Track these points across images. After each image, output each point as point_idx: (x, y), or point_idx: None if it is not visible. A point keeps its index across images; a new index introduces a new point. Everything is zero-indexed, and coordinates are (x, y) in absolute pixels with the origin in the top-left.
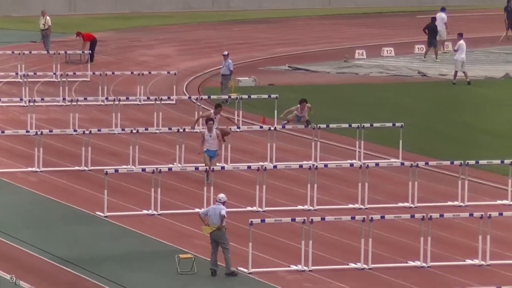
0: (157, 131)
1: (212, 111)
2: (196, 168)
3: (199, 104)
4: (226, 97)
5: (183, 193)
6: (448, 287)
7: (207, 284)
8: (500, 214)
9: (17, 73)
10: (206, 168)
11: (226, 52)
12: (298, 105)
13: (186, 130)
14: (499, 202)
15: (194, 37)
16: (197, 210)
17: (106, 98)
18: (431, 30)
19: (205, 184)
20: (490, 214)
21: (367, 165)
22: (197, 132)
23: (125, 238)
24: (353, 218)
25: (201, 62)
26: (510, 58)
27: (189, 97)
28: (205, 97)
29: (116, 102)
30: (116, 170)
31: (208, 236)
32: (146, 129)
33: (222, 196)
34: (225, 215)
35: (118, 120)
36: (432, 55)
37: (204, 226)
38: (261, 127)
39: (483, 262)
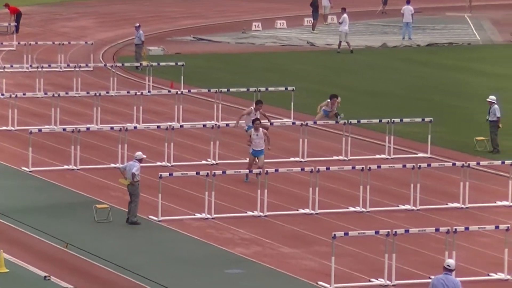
0: (76, 95)
1: (252, 107)
2: (112, 128)
3: (113, 70)
4: (138, 64)
5: (101, 150)
6: (333, 230)
7: (120, 231)
8: (379, 166)
9: None
10: (250, 170)
11: (137, 24)
12: (329, 100)
13: (101, 94)
14: (377, 156)
15: (110, 11)
16: (112, 165)
17: (31, 65)
18: (314, 5)
19: (244, 181)
20: (370, 167)
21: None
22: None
23: (49, 191)
24: (250, 171)
25: (116, 33)
26: (387, 29)
27: (105, 65)
28: (119, 64)
29: (40, 69)
30: (40, 130)
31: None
32: (67, 93)
33: (138, 154)
34: (135, 173)
35: (42, 85)
36: (320, 26)
37: (122, 178)
38: (169, 91)
39: (364, 209)
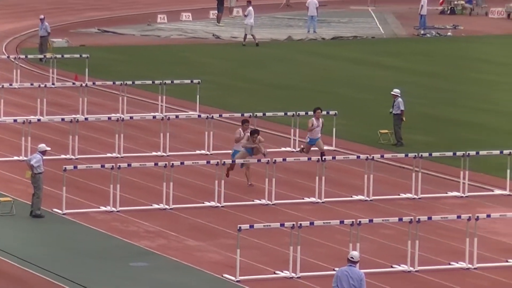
0: None
1: (240, 129)
2: (15, 120)
3: (16, 62)
4: (42, 56)
5: (4, 143)
6: (238, 222)
7: (24, 224)
8: (284, 159)
9: None
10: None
11: (42, 16)
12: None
13: (4, 86)
14: (283, 149)
15: (13, 2)
16: (16, 158)
17: None
18: None
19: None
20: (275, 160)
21: (168, 117)
22: None
23: None
24: (156, 164)
25: (20, 25)
26: (292, 23)
27: (8, 56)
28: (23, 56)
29: None
30: None
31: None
32: None
33: (41, 146)
34: (34, 165)
35: None
36: (226, 19)
37: (28, 171)
38: (73, 83)
39: (269, 202)
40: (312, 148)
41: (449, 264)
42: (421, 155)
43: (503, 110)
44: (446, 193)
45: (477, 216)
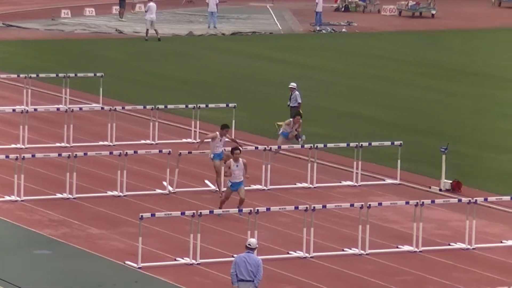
0: None
1: (217, 132)
2: None
3: None
4: None
5: None
6: (140, 211)
7: None
8: (190, 152)
9: None
10: (222, 201)
11: None
12: (291, 120)
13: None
14: (184, 140)
15: None
16: None
17: None
18: None
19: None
20: (180, 152)
21: (72, 109)
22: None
23: None
24: (60, 155)
25: None
26: (193, 18)
27: None
28: None
29: None
30: None
31: None
32: None
33: None
34: None
35: None
36: (128, 15)
37: None
38: None
39: (171, 190)
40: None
41: (343, 250)
42: (317, 146)
43: (394, 104)
44: (340, 182)
45: (369, 204)
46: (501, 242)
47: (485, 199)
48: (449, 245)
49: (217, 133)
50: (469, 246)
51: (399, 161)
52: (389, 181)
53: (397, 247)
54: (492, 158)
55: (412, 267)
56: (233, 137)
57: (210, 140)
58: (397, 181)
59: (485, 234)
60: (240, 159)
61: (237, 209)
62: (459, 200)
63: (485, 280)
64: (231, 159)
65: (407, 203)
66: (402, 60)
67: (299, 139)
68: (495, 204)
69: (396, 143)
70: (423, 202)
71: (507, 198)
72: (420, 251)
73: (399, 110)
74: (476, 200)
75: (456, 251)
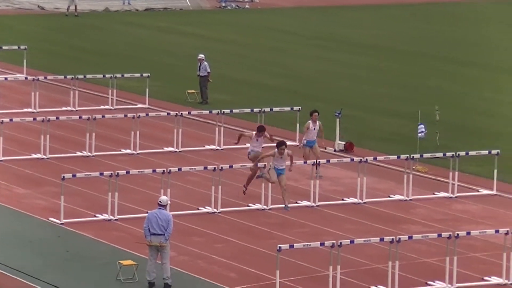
0: None
1: (253, 132)
2: None
3: None
4: None
5: None
6: (62, 172)
7: None
8: (103, 116)
9: None
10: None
11: None
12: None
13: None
14: (102, 107)
15: None
16: None
17: None
18: None
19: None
20: (95, 117)
21: None
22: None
23: None
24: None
25: None
26: None
27: None
28: None
29: None
30: None
31: None
32: None
33: None
34: None
35: None
36: None
37: None
38: None
39: (90, 154)
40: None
41: (248, 206)
42: (223, 111)
43: (292, 73)
44: (245, 144)
45: (271, 164)
46: (389, 196)
47: (375, 158)
48: (343, 200)
49: (253, 133)
50: (360, 201)
51: (298, 124)
52: (288, 143)
53: (297, 202)
54: (381, 121)
55: (309, 220)
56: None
57: (248, 138)
58: (296, 143)
59: (374, 190)
60: (286, 151)
61: (152, 170)
62: (352, 160)
63: (374, 230)
64: (275, 150)
65: (305, 162)
66: (299, 34)
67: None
68: (383, 163)
69: (295, 108)
70: (319, 162)
71: (394, 157)
72: (317, 206)
73: (296, 79)
74: (366, 159)
75: (349, 205)
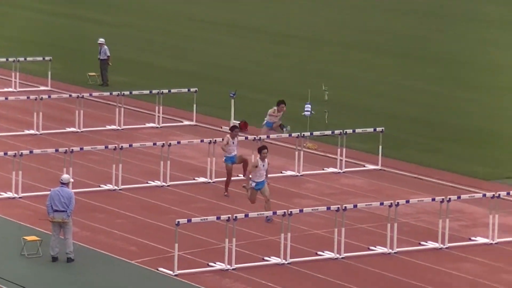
0: None
1: (228, 136)
2: None
3: None
4: None
5: None
6: None
7: None
8: (6, 98)
9: None
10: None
11: None
12: (275, 108)
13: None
14: (5, 89)
15: None
16: None
17: None
18: None
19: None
20: None
21: None
22: None
23: None
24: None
25: None
26: None
27: None
28: None
29: None
30: None
31: None
32: None
33: None
34: None
35: None
36: None
37: None
38: None
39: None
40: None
41: (147, 182)
42: (123, 93)
43: (189, 56)
44: (144, 124)
45: (170, 143)
46: (281, 172)
47: (268, 137)
48: (238, 176)
49: (228, 136)
50: None
51: (195, 105)
52: (186, 122)
53: (194, 179)
54: (274, 101)
55: (207, 195)
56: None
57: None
58: (193, 123)
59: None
60: (266, 159)
61: (54, 149)
62: (246, 138)
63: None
64: (258, 158)
65: (202, 141)
66: (202, 20)
67: (284, 129)
68: (276, 141)
69: (192, 89)
70: (215, 140)
71: (286, 135)
72: (213, 182)
73: (193, 62)
74: (260, 137)
75: (244, 181)
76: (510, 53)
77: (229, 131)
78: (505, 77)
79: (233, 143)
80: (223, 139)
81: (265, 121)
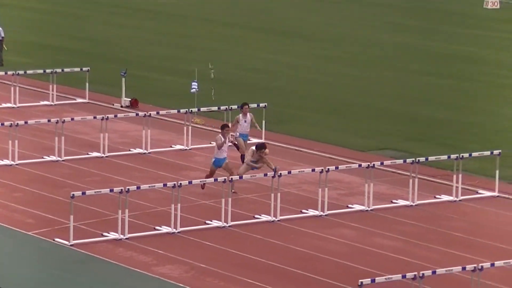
0: None
1: (220, 135)
2: None
3: None
4: None
5: None
6: None
7: None
8: None
9: None
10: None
11: None
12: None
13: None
14: None
15: None
16: None
17: None
18: None
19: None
20: None
21: None
22: None
23: None
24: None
25: None
26: None
27: None
28: None
29: None
30: None
31: None
32: None
33: None
34: None
35: None
36: None
37: None
38: None
39: None
40: None
41: (42, 158)
42: (18, 72)
43: (84, 35)
44: (39, 102)
45: (64, 120)
46: (171, 146)
47: (157, 113)
48: (130, 150)
49: (220, 136)
50: (145, 151)
51: (87, 84)
52: (79, 100)
53: (88, 154)
54: (163, 79)
55: (100, 169)
56: None
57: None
58: (86, 100)
59: (158, 141)
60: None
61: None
62: (137, 114)
63: (158, 177)
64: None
65: (94, 118)
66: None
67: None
68: (165, 117)
69: (84, 69)
70: (107, 117)
71: (174, 111)
72: (106, 156)
73: (87, 41)
74: (150, 113)
75: (135, 155)
76: (382, 25)
77: (220, 130)
78: (375, 51)
79: (225, 143)
80: (216, 140)
81: (237, 134)
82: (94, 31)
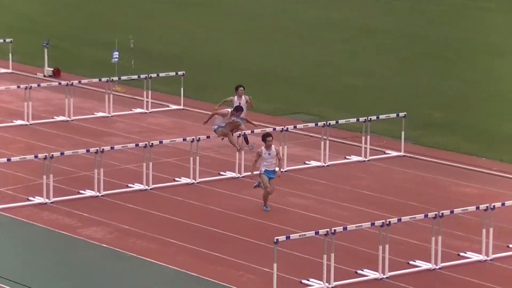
0: None
1: (228, 110)
2: None
3: None
4: None
5: None
6: None
7: None
8: None
9: None
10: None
11: None
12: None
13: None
14: None
15: None
16: None
17: None
18: None
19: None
20: None
21: None
22: None
23: None
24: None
25: None
26: None
27: None
28: None
29: None
30: None
31: None
32: None
33: None
34: None
35: None
36: None
37: None
38: None
39: None
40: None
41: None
42: None
43: (15, 11)
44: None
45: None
46: (93, 114)
47: (79, 82)
48: (53, 118)
49: (229, 110)
50: (68, 118)
51: (10, 54)
52: (2, 70)
53: (12, 122)
54: (84, 49)
55: (24, 136)
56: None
57: (221, 116)
58: (10, 70)
59: (81, 109)
60: (273, 146)
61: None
62: (59, 83)
63: (82, 143)
64: (263, 147)
65: (18, 87)
66: None
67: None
68: (87, 85)
69: (7, 40)
70: (31, 86)
71: (96, 80)
72: (30, 124)
73: (8, 15)
74: (72, 82)
75: (59, 122)
76: None
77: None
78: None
79: (229, 118)
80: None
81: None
82: (16, 5)
